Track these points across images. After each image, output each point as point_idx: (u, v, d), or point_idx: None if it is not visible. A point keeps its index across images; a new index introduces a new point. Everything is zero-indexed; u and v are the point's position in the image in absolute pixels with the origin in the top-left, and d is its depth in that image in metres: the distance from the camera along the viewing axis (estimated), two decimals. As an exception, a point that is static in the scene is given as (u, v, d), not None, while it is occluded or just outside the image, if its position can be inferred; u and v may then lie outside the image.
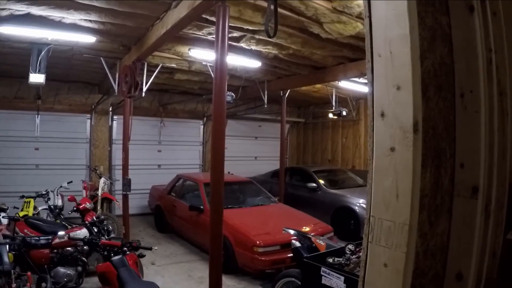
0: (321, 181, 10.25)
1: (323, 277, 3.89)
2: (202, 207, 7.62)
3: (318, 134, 14.58)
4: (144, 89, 7.64)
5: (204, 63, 7.91)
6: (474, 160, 1.53)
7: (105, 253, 4.59)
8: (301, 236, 5.05)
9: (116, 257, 4.31)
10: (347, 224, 8.77)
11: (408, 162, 1.39)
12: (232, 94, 8.43)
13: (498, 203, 1.58)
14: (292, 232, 5.25)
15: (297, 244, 4.78)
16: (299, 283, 4.69)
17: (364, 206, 8.88)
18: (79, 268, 5.41)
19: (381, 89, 1.47)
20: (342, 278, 3.74)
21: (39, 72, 6.65)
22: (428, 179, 1.42)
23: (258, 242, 6.23)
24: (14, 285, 4.20)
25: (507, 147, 1.62)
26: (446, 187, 1.51)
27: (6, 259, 4.44)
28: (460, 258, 1.52)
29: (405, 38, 1.38)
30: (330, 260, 4.02)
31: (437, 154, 1.46)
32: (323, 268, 3.90)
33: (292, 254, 5.09)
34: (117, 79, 7.72)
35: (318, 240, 4.76)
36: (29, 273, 4.49)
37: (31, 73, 6.62)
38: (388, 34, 1.44)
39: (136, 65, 6.80)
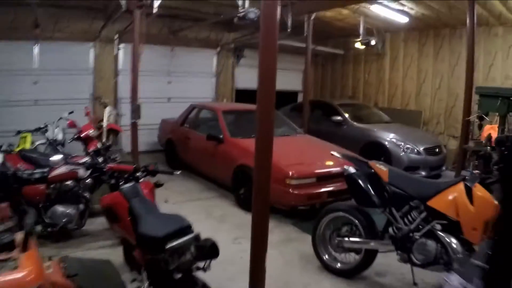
0: (347, 115, 9.36)
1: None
2: (221, 136, 6.85)
3: (338, 68, 13.39)
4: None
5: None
6: None
7: (113, 181, 3.69)
8: (356, 160, 4.16)
9: (127, 185, 3.44)
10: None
11: None
12: (256, 10, 6.74)
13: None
14: (340, 155, 4.38)
15: (351, 170, 3.88)
16: (350, 217, 3.88)
17: (395, 141, 8.05)
18: (81, 206, 4.55)
19: None
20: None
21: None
22: None
23: (291, 173, 5.43)
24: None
25: None
26: None
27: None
28: None
29: None
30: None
31: None
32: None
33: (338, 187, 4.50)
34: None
35: (378, 165, 3.86)
36: (4, 204, 3.09)
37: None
38: None
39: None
